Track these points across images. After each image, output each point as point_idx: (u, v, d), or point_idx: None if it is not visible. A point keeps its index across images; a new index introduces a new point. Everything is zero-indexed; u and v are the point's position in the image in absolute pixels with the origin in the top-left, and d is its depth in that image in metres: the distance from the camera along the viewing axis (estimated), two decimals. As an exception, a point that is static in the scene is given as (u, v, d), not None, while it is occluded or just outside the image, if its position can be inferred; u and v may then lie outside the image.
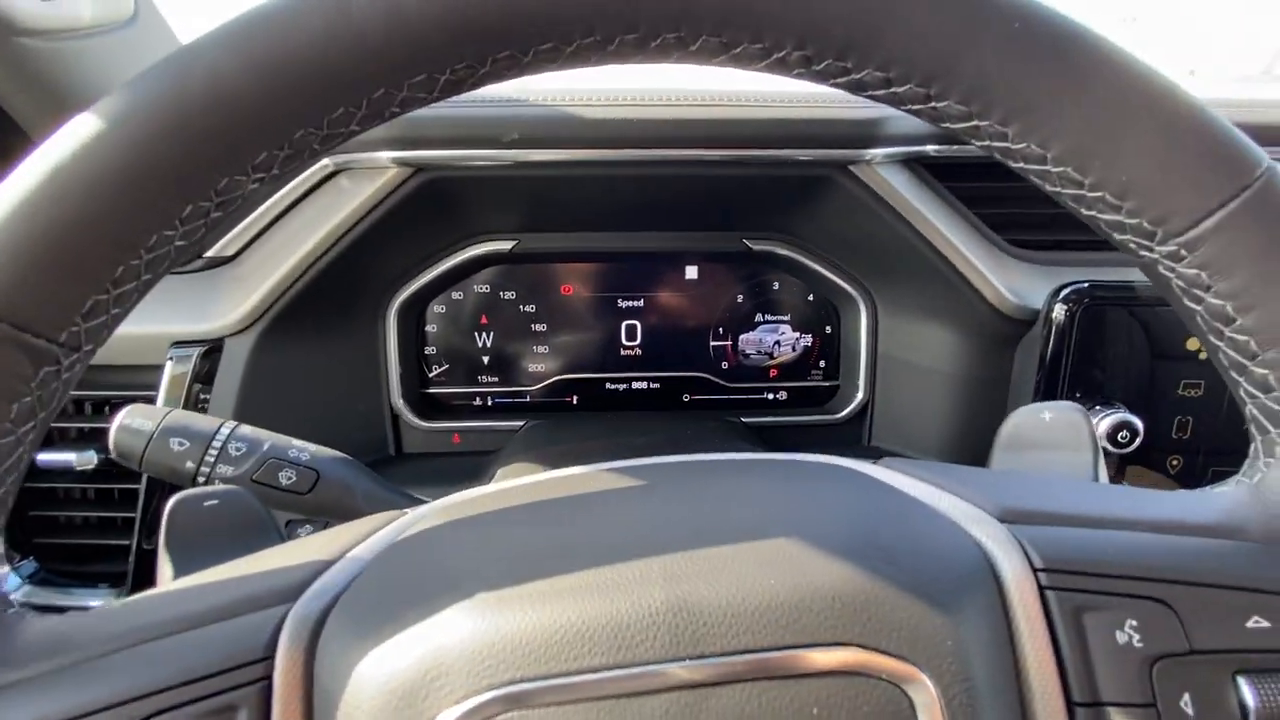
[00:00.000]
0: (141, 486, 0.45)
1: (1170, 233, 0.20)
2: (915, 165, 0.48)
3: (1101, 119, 0.20)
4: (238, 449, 0.32)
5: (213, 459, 0.31)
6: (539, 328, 0.57)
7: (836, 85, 0.21)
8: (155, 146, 0.17)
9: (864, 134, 0.44)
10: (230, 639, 0.19)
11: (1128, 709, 0.19)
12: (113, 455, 0.32)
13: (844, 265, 0.54)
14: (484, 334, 0.58)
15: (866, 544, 0.20)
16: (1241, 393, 0.21)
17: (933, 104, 0.21)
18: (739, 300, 0.58)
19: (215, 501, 0.27)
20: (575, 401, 0.59)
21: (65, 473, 0.46)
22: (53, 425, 0.47)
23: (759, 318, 0.59)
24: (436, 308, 0.56)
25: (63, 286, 0.18)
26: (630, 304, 0.58)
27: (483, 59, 0.18)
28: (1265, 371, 0.21)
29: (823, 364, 0.59)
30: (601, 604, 0.18)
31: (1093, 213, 0.21)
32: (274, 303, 0.46)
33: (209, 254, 0.49)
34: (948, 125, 0.22)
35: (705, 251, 0.56)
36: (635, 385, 0.59)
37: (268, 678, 0.18)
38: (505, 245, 0.54)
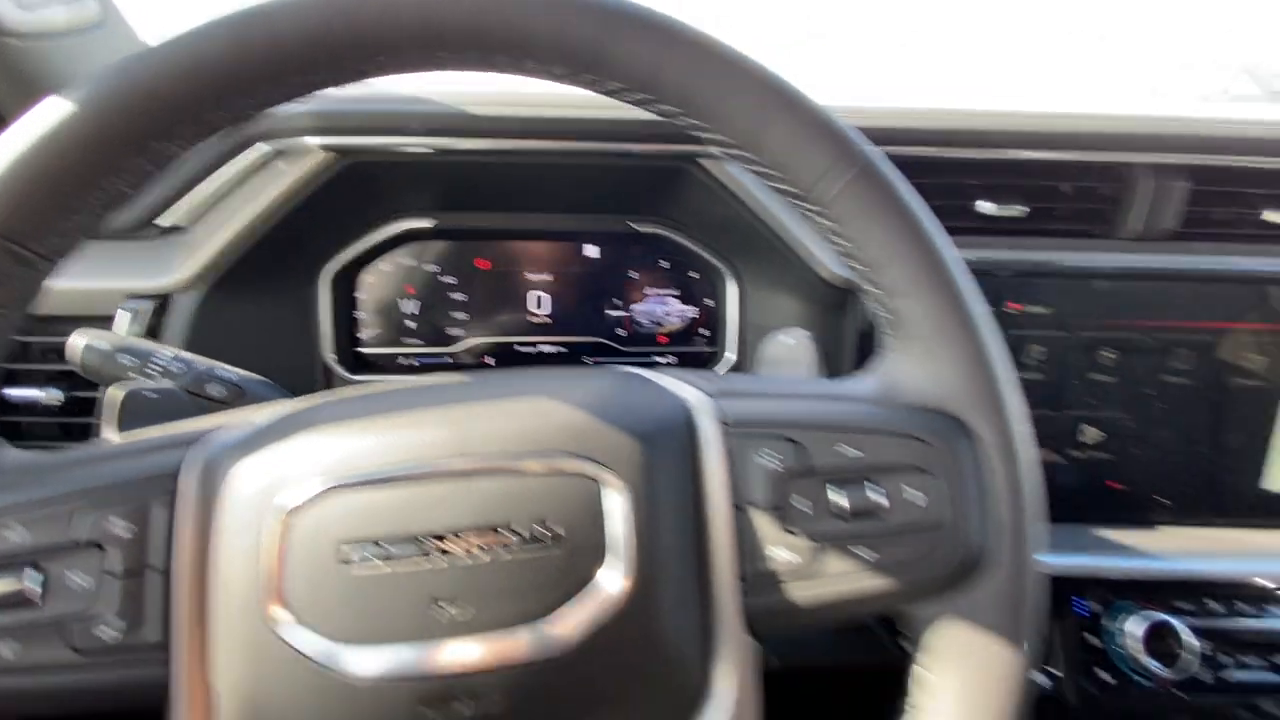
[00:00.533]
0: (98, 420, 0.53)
1: (814, 199, 0.29)
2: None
3: (761, 119, 0.29)
4: (178, 367, 0.40)
5: (156, 373, 0.39)
6: (458, 296, 0.66)
7: (598, 91, 0.31)
8: (109, 118, 0.26)
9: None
10: (151, 463, 0.27)
11: (762, 508, 0.28)
12: (71, 363, 0.40)
13: (714, 245, 0.64)
14: (409, 301, 0.66)
15: (598, 398, 0.29)
16: (875, 316, 0.31)
17: (658, 106, 0.30)
18: (632, 275, 0.67)
19: (155, 395, 0.35)
20: (492, 363, 0.68)
21: (32, 408, 0.54)
22: (21, 367, 0.55)
23: (649, 291, 0.68)
24: (366, 277, 0.65)
25: (43, 211, 0.26)
26: (537, 276, 0.67)
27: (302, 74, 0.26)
28: (906, 311, 0.30)
29: (705, 332, 0.69)
30: (402, 432, 0.27)
31: (773, 182, 0.31)
32: (217, 265, 0.54)
33: (164, 225, 0.57)
34: (675, 123, 0.31)
35: (598, 231, 0.65)
36: (543, 349, 0.68)
37: (174, 491, 0.27)
38: (427, 223, 0.63)
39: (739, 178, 0.55)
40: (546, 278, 0.67)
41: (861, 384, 0.31)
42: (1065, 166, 0.58)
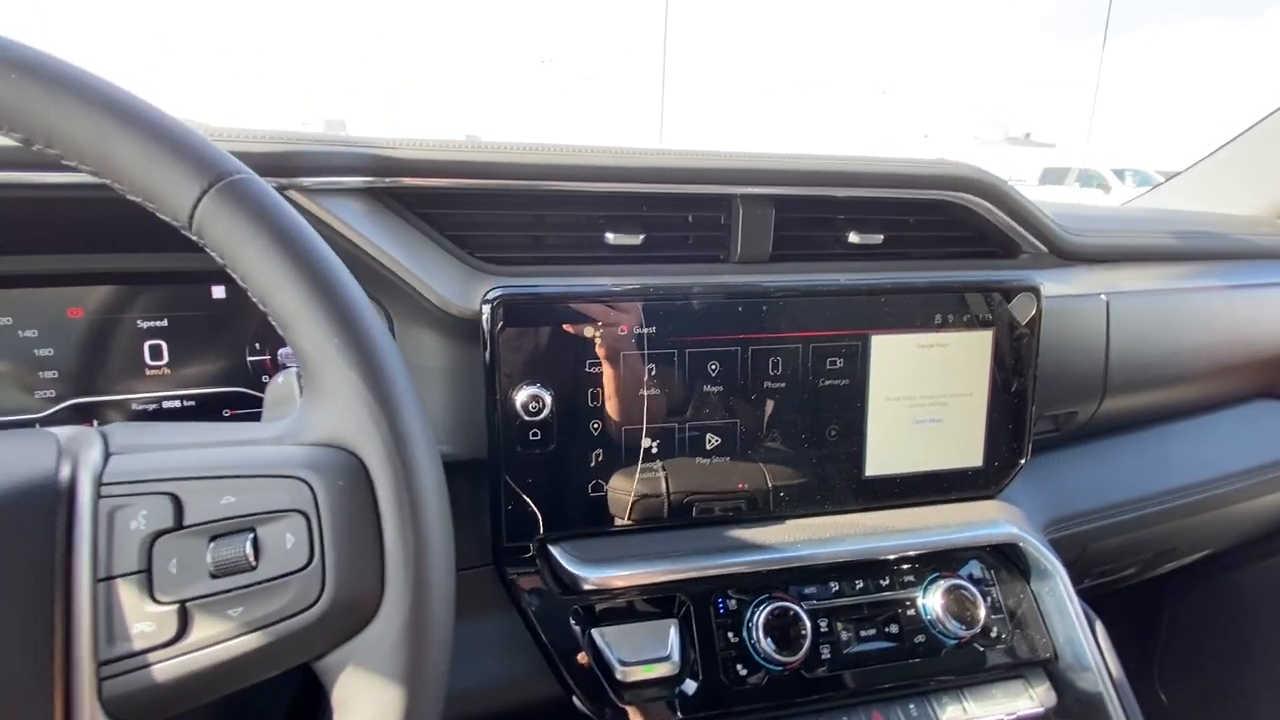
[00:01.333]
0: None
1: (181, 222, 0.27)
2: (380, 195, 0.57)
3: (104, 137, 0.26)
4: None
5: None
6: (43, 353, 0.57)
7: None
8: None
9: (284, 164, 0.51)
10: None
11: (129, 577, 0.25)
12: None
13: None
14: (-24, 364, 0.56)
15: None
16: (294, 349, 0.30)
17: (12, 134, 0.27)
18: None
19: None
20: (95, 424, 0.59)
21: None
22: None
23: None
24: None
25: None
26: (150, 324, 0.60)
27: None
28: (297, 344, 0.29)
29: (367, 372, 0.66)
30: None
31: (150, 208, 0.28)
32: None
33: None
34: (46, 155, 0.28)
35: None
36: (166, 404, 0.61)
37: None
38: (-15, 270, 0.54)
39: (340, 215, 0.53)
40: (161, 324, 0.60)
41: (273, 426, 0.29)
42: (678, 199, 0.63)
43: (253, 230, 0.27)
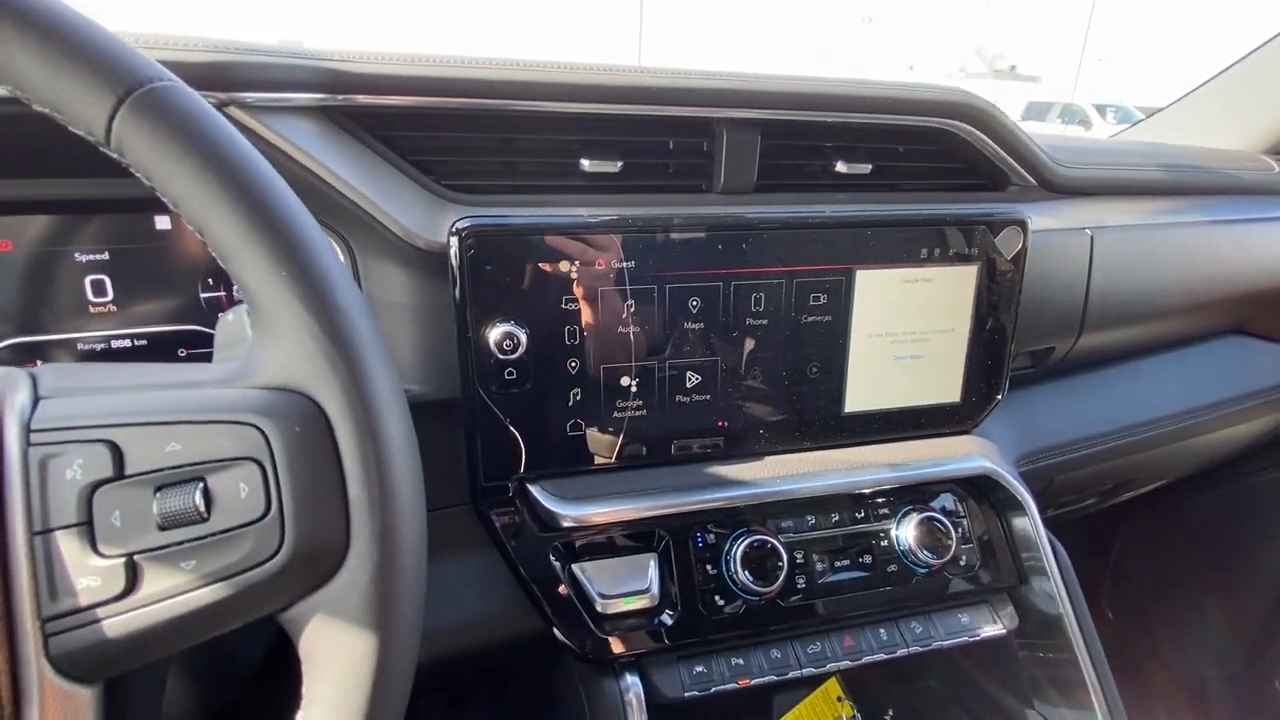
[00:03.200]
0: None
1: (98, 137, 0.24)
2: (334, 114, 0.52)
3: (4, 47, 0.23)
4: None
5: None
6: (-25, 287, 0.53)
7: None
8: None
9: (222, 77, 0.46)
10: None
11: (69, 529, 0.23)
12: None
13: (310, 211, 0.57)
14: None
15: None
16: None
17: None
18: (223, 250, 0.58)
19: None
20: (39, 365, 0.55)
21: None
22: None
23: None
24: None
25: None
26: (91, 257, 0.55)
27: None
28: (240, 277, 0.26)
29: (331, 309, 0.62)
30: None
31: (64, 123, 0.24)
32: None
33: None
34: None
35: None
36: (116, 344, 0.57)
37: None
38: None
39: (290, 136, 0.49)
40: (102, 257, 0.56)
41: (220, 367, 0.27)
42: (658, 123, 0.59)
43: (181, 147, 0.23)
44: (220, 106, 0.47)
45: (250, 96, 0.48)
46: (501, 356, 0.53)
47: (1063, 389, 0.84)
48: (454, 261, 0.52)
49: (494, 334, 0.53)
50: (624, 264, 0.55)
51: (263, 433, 0.24)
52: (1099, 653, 0.68)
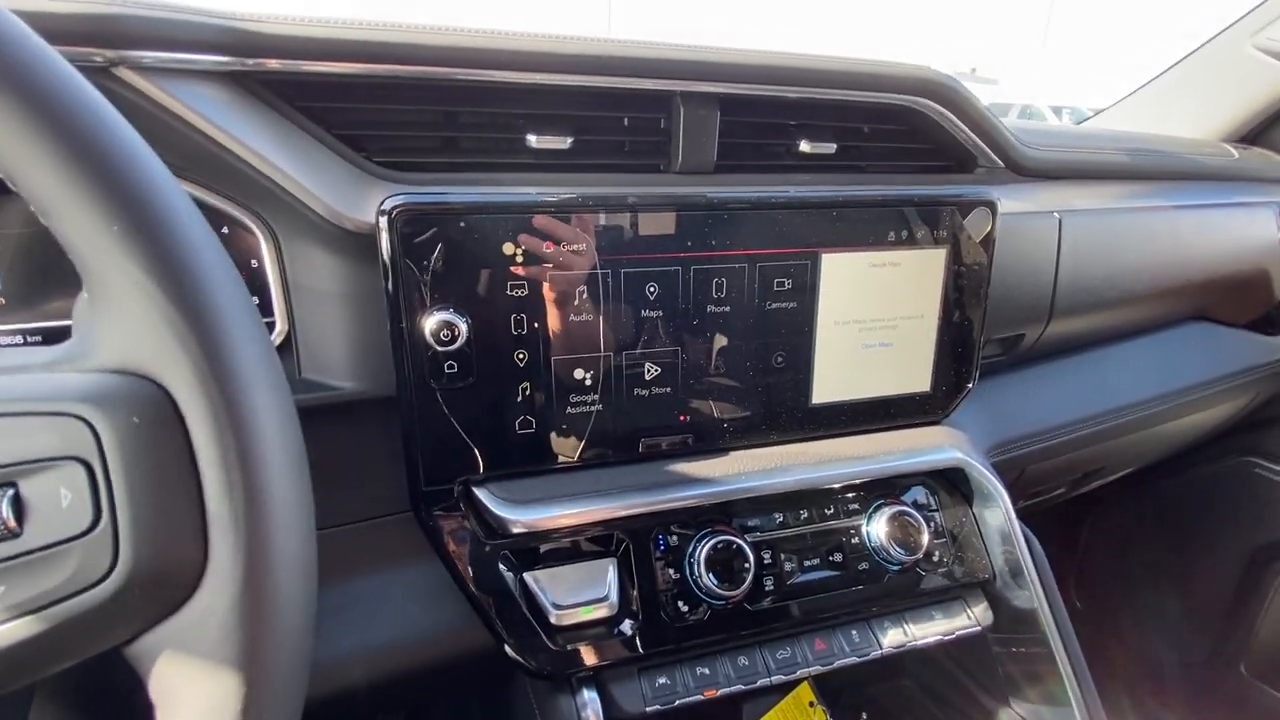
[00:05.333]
0: None
1: None
2: (246, 81, 0.47)
3: None
4: None
5: None
6: None
7: None
8: None
9: (110, 32, 0.41)
10: None
11: None
12: None
13: (223, 189, 0.51)
14: None
15: None
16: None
17: None
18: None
19: None
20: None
21: None
22: None
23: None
24: None
25: None
26: (-30, 243, 0.49)
27: None
28: (63, 235, 0.21)
29: (257, 300, 0.57)
30: None
31: None
32: None
33: None
34: None
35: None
36: (3, 340, 0.51)
37: None
38: None
39: (189, 102, 0.43)
40: (-17, 243, 0.49)
41: (54, 349, 0.22)
42: (611, 96, 0.55)
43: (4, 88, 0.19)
44: (108, 66, 0.42)
45: (145, 56, 0.42)
46: (440, 348, 0.48)
47: (1032, 377, 0.82)
48: (383, 244, 0.47)
49: (430, 323, 0.48)
50: (574, 247, 0.51)
51: (90, 425, 0.19)
52: (1074, 646, 0.66)
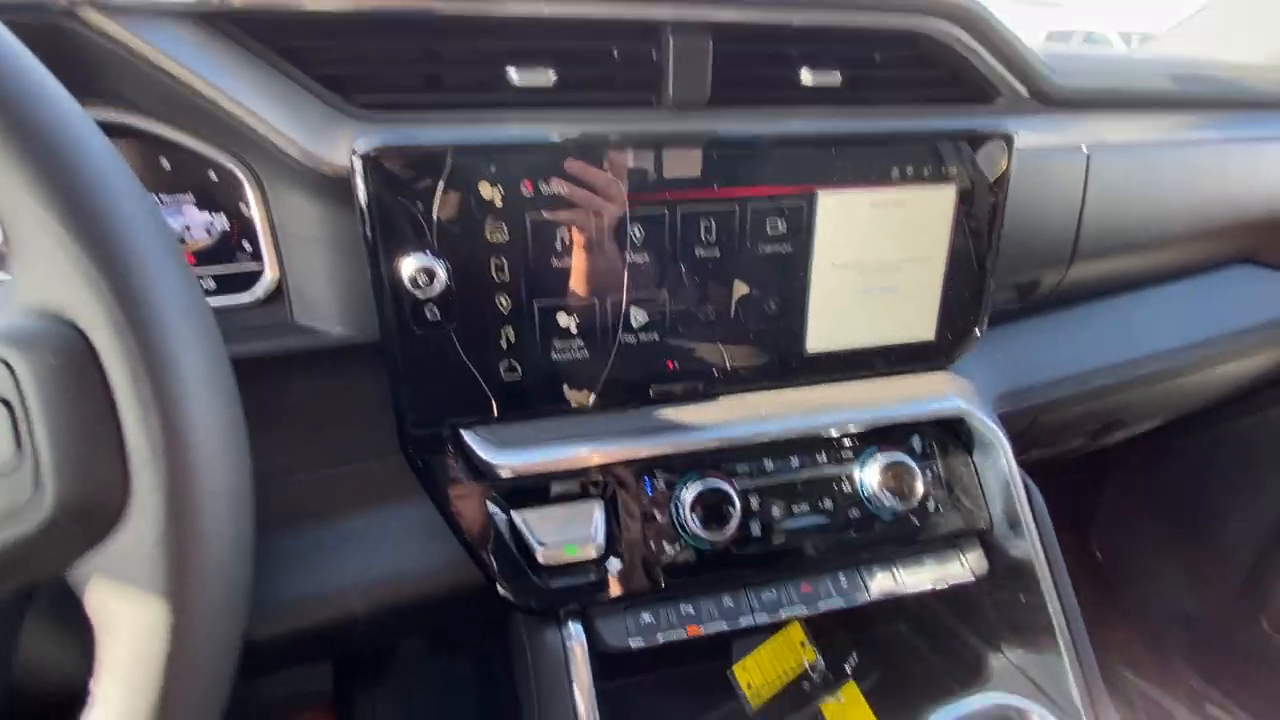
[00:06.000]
0: None
1: None
2: (216, 21, 0.46)
3: None
4: None
5: None
6: None
7: None
8: None
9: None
10: None
11: None
12: None
13: (206, 134, 0.51)
14: None
15: None
16: None
17: None
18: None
19: None
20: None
21: None
22: None
23: (156, 199, 0.54)
24: None
25: None
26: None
27: None
28: None
29: (247, 245, 0.58)
30: None
31: None
32: None
33: None
34: None
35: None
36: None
37: None
38: None
39: (158, 45, 0.43)
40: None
41: None
42: (597, 26, 0.53)
43: None
44: (72, 8, 0.41)
45: (109, -4, 0.41)
46: (419, 294, 0.48)
47: (1049, 324, 0.78)
48: (358, 187, 0.47)
49: (407, 268, 0.48)
50: (554, 188, 0.50)
51: (9, 366, 0.20)
52: (1070, 598, 0.65)
